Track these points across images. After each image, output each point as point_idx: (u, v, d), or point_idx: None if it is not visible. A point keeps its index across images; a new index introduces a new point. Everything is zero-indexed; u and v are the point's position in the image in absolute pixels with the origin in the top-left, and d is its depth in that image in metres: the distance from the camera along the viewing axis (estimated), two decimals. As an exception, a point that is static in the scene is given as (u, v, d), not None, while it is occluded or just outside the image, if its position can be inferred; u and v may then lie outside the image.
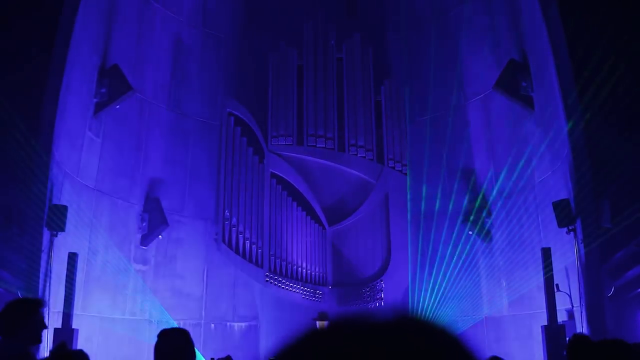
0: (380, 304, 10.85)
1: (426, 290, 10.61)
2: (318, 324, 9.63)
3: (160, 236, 10.38)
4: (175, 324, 9.82)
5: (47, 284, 7.80)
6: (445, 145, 11.01)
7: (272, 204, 11.15)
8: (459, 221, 10.59)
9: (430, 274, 10.61)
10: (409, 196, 11.24)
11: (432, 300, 10.45)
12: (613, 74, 7.06)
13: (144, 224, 10.22)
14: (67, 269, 8.05)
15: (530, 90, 9.46)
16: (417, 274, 10.91)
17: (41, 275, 7.64)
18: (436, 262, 10.58)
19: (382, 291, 10.86)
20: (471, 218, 10.39)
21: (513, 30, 9.99)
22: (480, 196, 10.43)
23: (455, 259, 10.40)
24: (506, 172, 9.93)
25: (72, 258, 8.11)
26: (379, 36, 12.70)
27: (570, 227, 8.18)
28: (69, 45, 7.97)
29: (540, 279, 8.45)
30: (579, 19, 7.69)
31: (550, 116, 8.88)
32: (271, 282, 10.63)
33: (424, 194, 11.23)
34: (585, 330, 7.81)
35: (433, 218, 11.03)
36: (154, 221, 10.28)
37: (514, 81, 9.52)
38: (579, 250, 7.96)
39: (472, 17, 10.68)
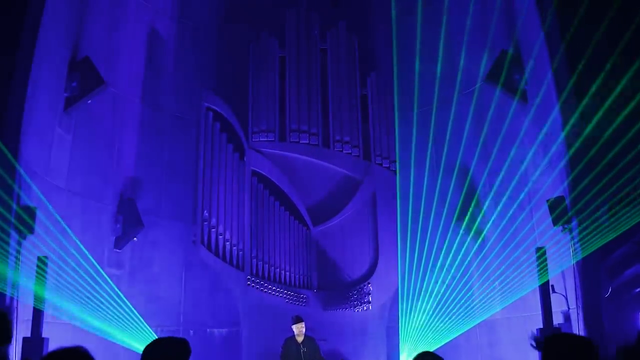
0: (367, 307, 10.88)
1: (416, 293, 10.65)
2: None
3: (135, 238, 10.31)
4: (152, 332, 9.79)
5: (15, 290, 7.71)
6: (435, 141, 11.06)
7: (254, 203, 11.12)
8: (449, 220, 10.64)
9: (419, 276, 10.64)
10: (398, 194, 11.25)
11: (422, 304, 10.49)
12: (610, 65, 7.14)
13: (117, 226, 10.13)
14: (37, 274, 7.96)
15: (523, 83, 9.54)
16: (407, 276, 10.96)
17: (9, 281, 7.55)
18: (427, 264, 10.61)
19: (369, 294, 10.87)
20: (460, 216, 10.46)
21: (505, 20, 10.05)
22: (471, 193, 10.50)
23: (446, 259, 10.45)
24: (498, 169, 10.00)
25: (42, 262, 8.02)
26: (365, 26, 12.72)
27: (565, 226, 8.27)
28: (36, 37, 7.87)
29: (534, 280, 8.53)
30: (574, 8, 7.76)
31: (545, 110, 8.96)
32: (253, 286, 10.60)
33: (413, 191, 11.27)
34: (582, 333, 7.89)
35: (422, 217, 11.06)
36: (128, 223, 10.20)
37: (507, 74, 9.58)
38: (575, 250, 8.05)
39: (462, 6, 10.72)
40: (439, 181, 10.89)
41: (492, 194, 10.20)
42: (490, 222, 10.15)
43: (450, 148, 10.80)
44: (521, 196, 9.58)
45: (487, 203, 10.30)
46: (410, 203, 10.98)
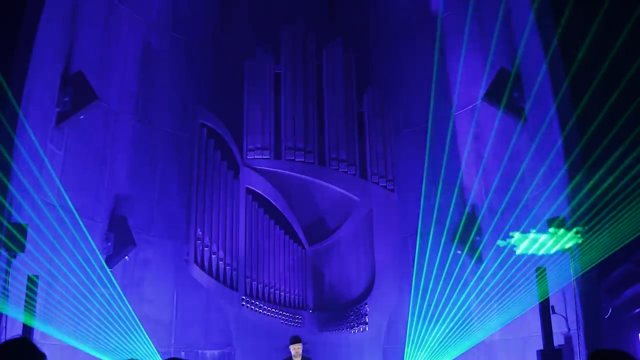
0: (364, 329, 10.91)
1: (412, 314, 10.70)
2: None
3: (126, 257, 10.34)
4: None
5: (4, 310, 7.72)
6: (432, 159, 11.15)
7: (248, 222, 11.16)
8: (446, 240, 10.70)
9: (416, 296, 10.70)
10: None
11: (419, 326, 10.54)
12: (610, 84, 7.27)
13: (109, 244, 10.17)
14: (27, 294, 7.97)
15: (522, 101, 9.68)
16: (404, 297, 11.02)
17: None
18: (422, 284, 10.67)
19: (366, 315, 10.92)
20: (459, 236, 10.53)
21: (504, 38, 10.20)
22: (469, 213, 10.59)
23: (443, 280, 10.50)
24: (497, 188, 10.10)
25: (33, 281, 8.03)
26: (362, 42, 12.85)
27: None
28: (31, 51, 7.96)
29: (534, 301, 8.60)
30: (574, 26, 7.91)
31: (544, 129, 9.08)
32: (247, 306, 10.63)
33: (409, 210, 11.37)
34: (583, 354, 7.96)
35: (419, 236, 11.13)
36: (119, 241, 10.25)
37: (505, 92, 9.72)
38: (575, 270, 8.13)
39: (461, 24, 10.87)
40: (428, 199, 10.99)
41: (490, 212, 10.29)
42: (488, 241, 10.21)
43: (446, 166, 10.89)
44: (520, 215, 9.66)
45: (485, 222, 10.39)
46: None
